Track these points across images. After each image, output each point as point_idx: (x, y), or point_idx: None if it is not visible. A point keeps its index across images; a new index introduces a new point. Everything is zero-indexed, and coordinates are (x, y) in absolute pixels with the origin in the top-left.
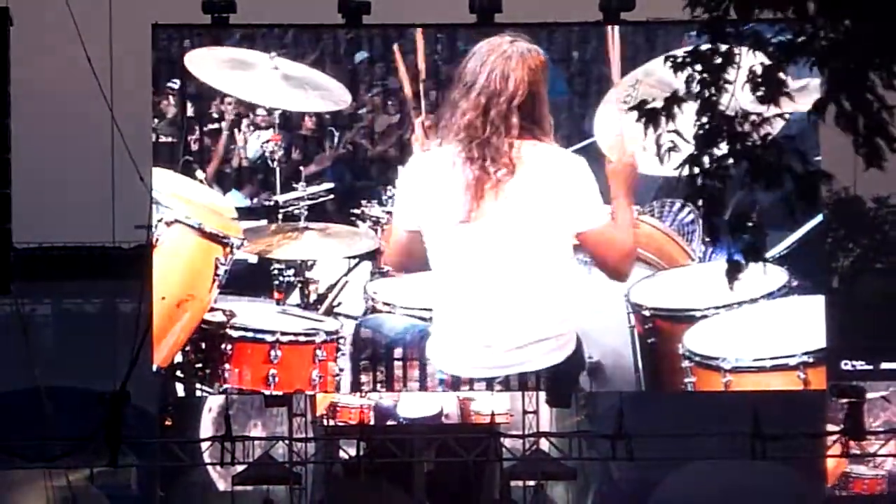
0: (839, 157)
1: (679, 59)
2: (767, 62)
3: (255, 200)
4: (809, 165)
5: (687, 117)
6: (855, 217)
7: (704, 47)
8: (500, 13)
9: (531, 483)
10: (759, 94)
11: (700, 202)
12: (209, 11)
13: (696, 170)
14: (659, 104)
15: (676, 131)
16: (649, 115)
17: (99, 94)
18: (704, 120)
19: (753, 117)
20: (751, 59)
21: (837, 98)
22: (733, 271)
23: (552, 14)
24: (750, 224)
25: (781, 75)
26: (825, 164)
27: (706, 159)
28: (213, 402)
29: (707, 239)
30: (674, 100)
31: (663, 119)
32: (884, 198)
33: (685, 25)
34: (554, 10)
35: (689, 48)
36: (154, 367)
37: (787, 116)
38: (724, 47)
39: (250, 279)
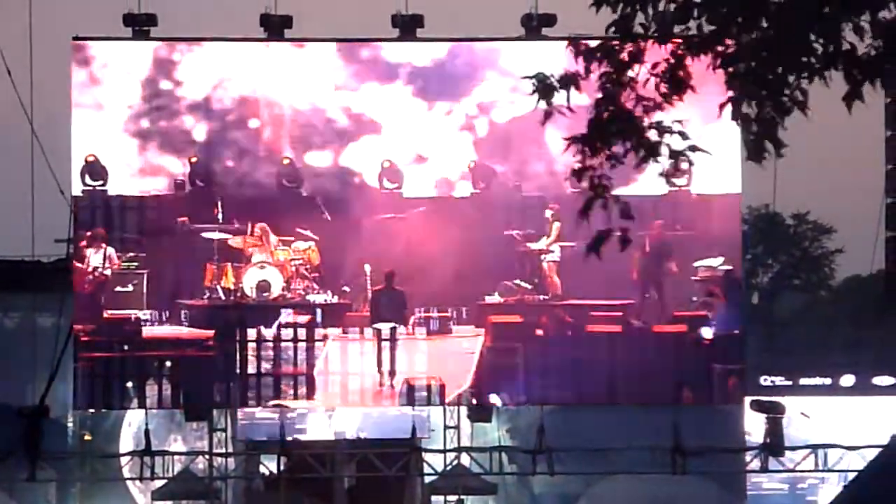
0: (759, 173)
1: (583, 49)
2: (671, 59)
3: None
4: (688, 140)
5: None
6: (774, 234)
7: (613, 42)
8: (422, 28)
9: (452, 498)
10: (663, 89)
11: (586, 181)
12: (130, 24)
13: (587, 148)
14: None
15: (569, 108)
16: (543, 90)
17: (19, 106)
18: (602, 107)
19: (647, 102)
20: (657, 55)
21: (738, 96)
22: (599, 243)
23: (474, 30)
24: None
25: (684, 71)
26: (744, 178)
27: (596, 140)
28: (133, 417)
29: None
30: (569, 80)
31: (556, 94)
32: (803, 214)
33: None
34: (476, 25)
35: (598, 41)
36: None
37: (676, 103)
38: (631, 46)
39: None
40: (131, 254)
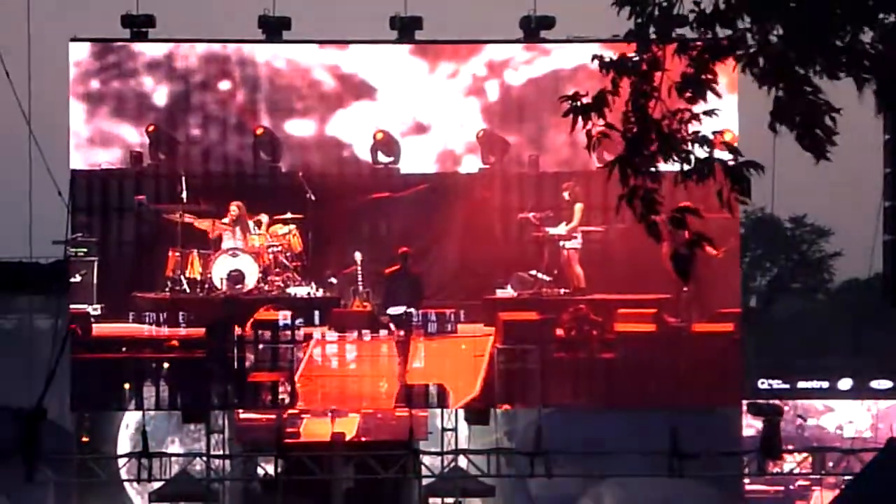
0: (756, 176)
1: (607, 60)
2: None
3: None
4: (739, 155)
5: (617, 110)
6: (772, 237)
7: (630, 53)
8: (420, 30)
9: (449, 500)
10: (687, 95)
11: (635, 203)
12: (128, 26)
13: (628, 170)
14: (588, 100)
15: (608, 125)
16: (578, 111)
17: (17, 107)
18: (633, 121)
19: (681, 115)
20: (678, 62)
21: (778, 98)
22: (684, 263)
23: (473, 32)
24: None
25: (707, 75)
26: None
27: (637, 160)
28: (131, 419)
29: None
30: (602, 99)
31: (593, 115)
32: (800, 217)
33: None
34: (475, 28)
35: (617, 56)
36: None
37: (716, 113)
38: (648, 55)
39: None
40: (80, 238)
